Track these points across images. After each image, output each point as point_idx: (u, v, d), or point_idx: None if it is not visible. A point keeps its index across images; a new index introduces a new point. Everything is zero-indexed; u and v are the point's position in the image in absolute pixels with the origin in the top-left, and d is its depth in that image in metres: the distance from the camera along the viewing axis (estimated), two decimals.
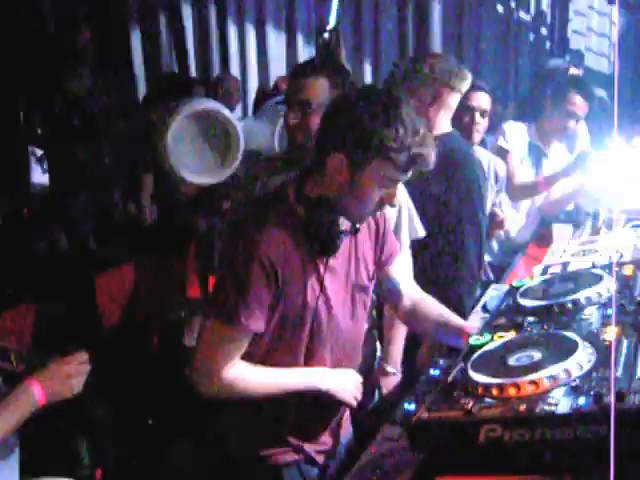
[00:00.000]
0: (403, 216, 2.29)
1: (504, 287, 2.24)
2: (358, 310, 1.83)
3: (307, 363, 1.76)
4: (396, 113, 1.58)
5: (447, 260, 2.56)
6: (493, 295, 2.52)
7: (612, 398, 1.15)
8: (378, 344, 2.45)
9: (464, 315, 2.26)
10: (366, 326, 1.99)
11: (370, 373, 2.33)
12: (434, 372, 1.56)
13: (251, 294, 1.62)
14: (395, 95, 1.64)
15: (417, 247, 2.40)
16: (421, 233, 2.37)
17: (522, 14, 7.55)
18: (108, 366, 2.15)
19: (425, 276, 2.34)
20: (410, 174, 1.65)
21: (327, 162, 1.62)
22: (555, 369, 1.30)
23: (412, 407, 1.40)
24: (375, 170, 1.60)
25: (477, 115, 3.06)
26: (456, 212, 2.56)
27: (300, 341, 1.74)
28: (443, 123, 2.62)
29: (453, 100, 2.61)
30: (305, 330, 1.73)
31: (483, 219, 2.70)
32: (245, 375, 1.70)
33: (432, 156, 1.63)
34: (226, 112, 3.47)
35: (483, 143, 3.44)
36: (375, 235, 1.86)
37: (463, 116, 2.99)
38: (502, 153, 3.46)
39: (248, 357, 1.70)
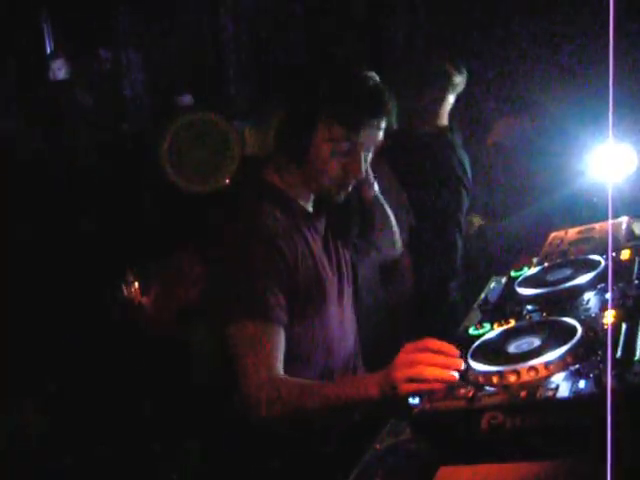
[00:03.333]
0: None
1: (503, 279, 2.24)
2: (345, 290, 1.81)
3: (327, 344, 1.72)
4: (335, 68, 1.57)
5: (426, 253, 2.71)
6: (493, 287, 2.52)
7: (609, 380, 1.14)
8: None
9: (445, 311, 2.49)
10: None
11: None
12: None
13: (272, 278, 1.53)
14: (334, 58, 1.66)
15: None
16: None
17: None
18: None
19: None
20: (363, 133, 1.56)
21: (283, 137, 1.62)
22: (554, 354, 1.30)
23: (416, 401, 1.40)
24: (324, 132, 1.55)
25: None
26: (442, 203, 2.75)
27: (324, 314, 1.67)
28: (443, 118, 2.88)
29: (454, 98, 2.87)
30: (326, 301, 1.67)
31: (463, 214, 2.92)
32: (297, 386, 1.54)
33: (390, 112, 1.56)
34: (224, 121, 3.52)
35: None
36: None
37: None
38: None
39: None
